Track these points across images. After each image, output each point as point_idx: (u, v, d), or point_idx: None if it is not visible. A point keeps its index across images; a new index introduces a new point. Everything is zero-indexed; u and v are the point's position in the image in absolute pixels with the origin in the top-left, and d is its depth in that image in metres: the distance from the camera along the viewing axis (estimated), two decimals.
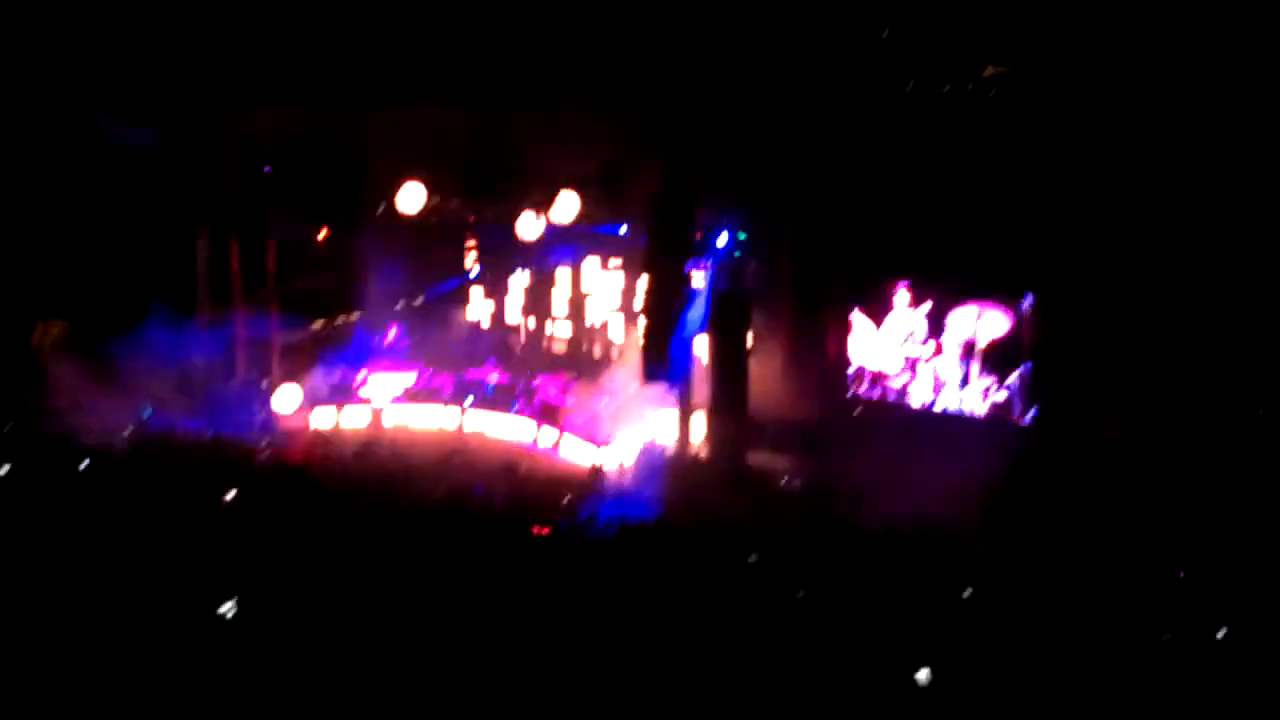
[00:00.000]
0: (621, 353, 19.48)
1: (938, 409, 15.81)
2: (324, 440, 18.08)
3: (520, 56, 16.17)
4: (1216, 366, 13.41)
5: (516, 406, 19.28)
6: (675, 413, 16.81)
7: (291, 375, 19.76)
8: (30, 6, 15.72)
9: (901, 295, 16.10)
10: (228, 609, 7.40)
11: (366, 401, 19.73)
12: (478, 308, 21.92)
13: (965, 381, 15.54)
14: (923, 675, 7.58)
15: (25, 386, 15.95)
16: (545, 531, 11.15)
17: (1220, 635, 8.65)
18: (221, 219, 18.75)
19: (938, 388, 15.81)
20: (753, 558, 10.06)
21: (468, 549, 9.29)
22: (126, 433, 15.48)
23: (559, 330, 20.81)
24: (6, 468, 10.92)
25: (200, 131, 17.94)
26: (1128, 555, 11.33)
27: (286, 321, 19.85)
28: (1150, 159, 13.53)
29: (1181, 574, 10.52)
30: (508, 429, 18.94)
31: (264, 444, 16.40)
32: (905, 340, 16.04)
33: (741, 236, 16.69)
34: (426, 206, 18.63)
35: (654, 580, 8.92)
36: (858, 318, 16.51)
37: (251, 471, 13.52)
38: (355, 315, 21.30)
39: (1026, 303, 15.00)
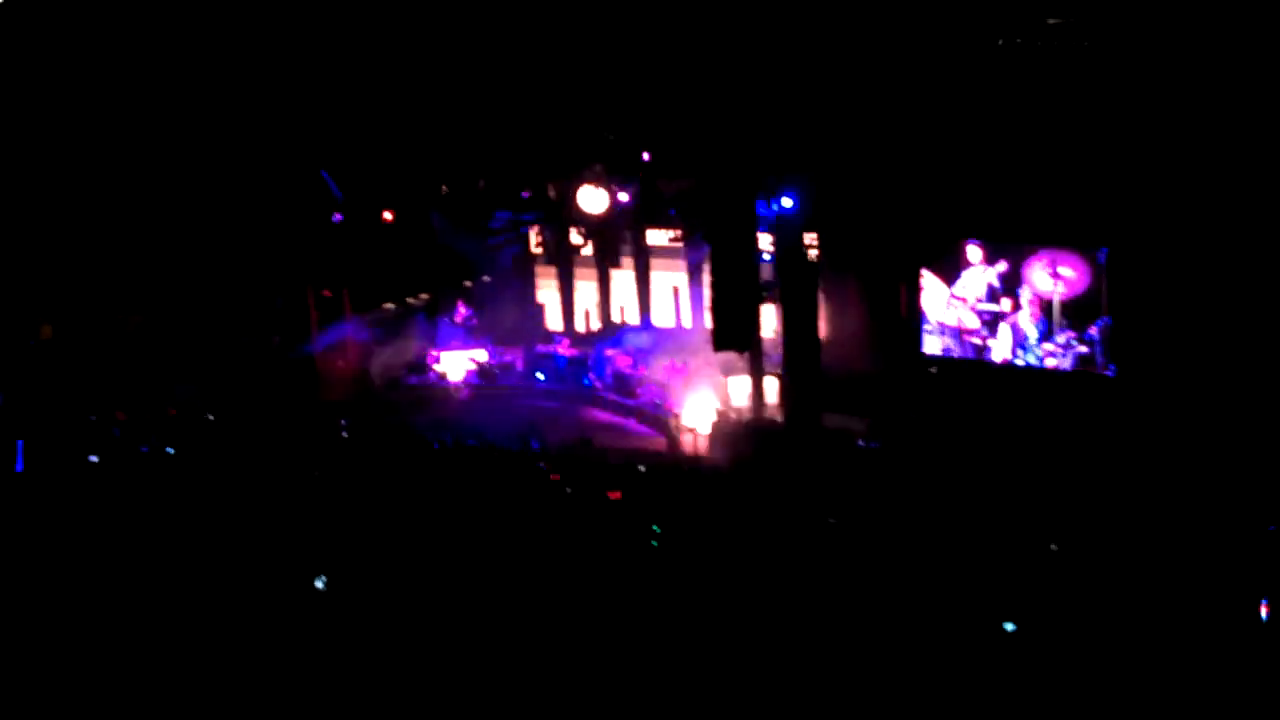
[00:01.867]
0: (693, 321, 19.45)
1: (1019, 364, 15.54)
2: None
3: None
4: None
5: (588, 380, 19.37)
6: (748, 378, 16.73)
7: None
8: None
9: (973, 252, 15.82)
10: None
11: (440, 378, 19.96)
12: (545, 282, 22.02)
13: (1045, 337, 15.25)
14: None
15: None
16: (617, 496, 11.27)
17: None
18: None
19: (1017, 343, 15.54)
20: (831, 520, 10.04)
21: None
22: None
23: (627, 301, 20.82)
24: None
25: None
26: (1216, 509, 11.09)
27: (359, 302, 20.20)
28: (1222, 106, 13.13)
29: (1273, 527, 10.25)
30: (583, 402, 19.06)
31: None
32: (981, 297, 15.78)
33: (807, 199, 16.51)
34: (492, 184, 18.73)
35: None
36: (928, 277, 16.27)
37: None
38: (424, 295, 21.54)
39: (1101, 256, 14.67)
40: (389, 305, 21.16)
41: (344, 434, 15.99)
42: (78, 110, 16.71)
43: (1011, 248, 15.50)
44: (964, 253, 15.94)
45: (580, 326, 21.15)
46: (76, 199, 17.42)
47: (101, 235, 17.66)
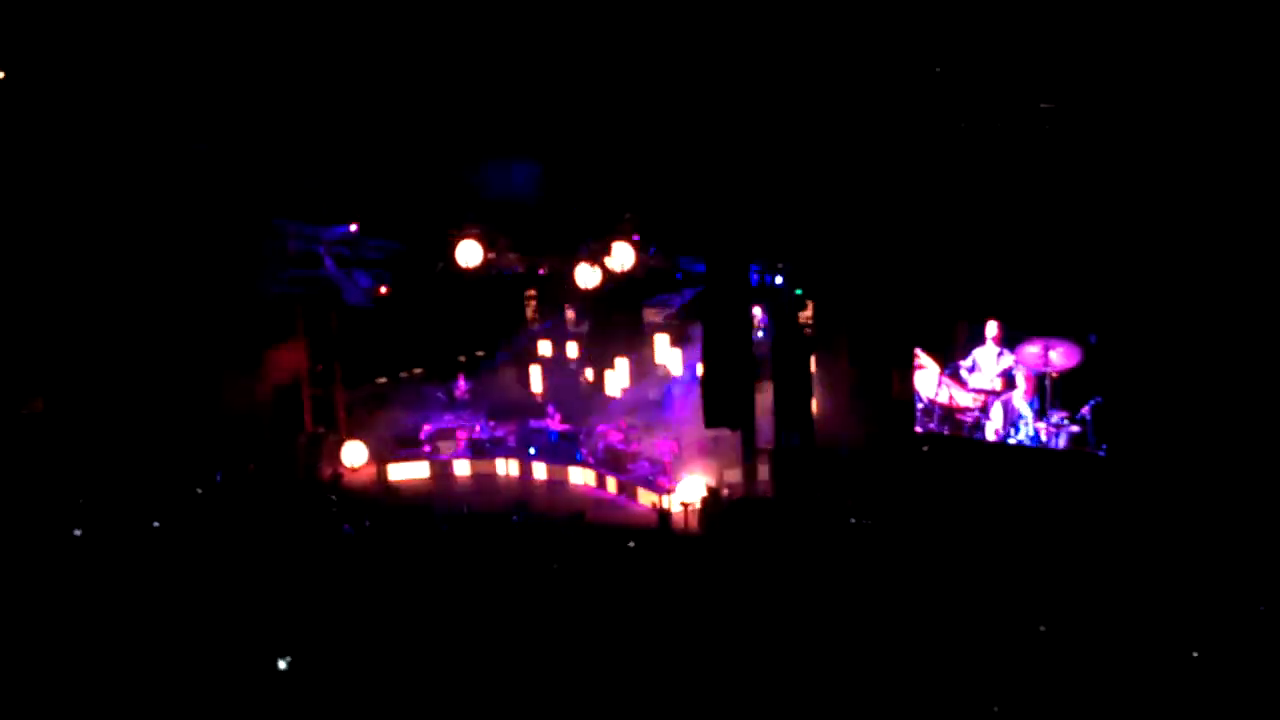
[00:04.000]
0: (684, 397, 19.41)
1: (1011, 442, 15.51)
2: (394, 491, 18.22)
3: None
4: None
5: (580, 454, 19.29)
6: (740, 454, 16.65)
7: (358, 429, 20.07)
8: None
9: (966, 333, 15.89)
10: None
11: (433, 453, 19.89)
12: (539, 358, 22.05)
13: (1039, 416, 15.24)
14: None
15: None
16: None
17: None
18: None
19: (1010, 422, 15.52)
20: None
21: None
22: None
23: (620, 377, 20.81)
24: None
25: None
26: (1208, 586, 10.99)
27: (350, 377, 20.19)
28: (1211, 194, 13.28)
29: (1262, 608, 10.15)
30: (573, 477, 18.98)
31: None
32: (983, 378, 15.78)
33: (799, 278, 16.62)
34: (484, 260, 18.78)
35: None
36: (922, 357, 16.32)
37: None
38: (418, 370, 21.58)
39: (1092, 339, 14.74)
40: (381, 380, 21.20)
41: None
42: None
43: (1003, 329, 15.59)
44: (956, 332, 16.03)
45: (573, 402, 21.14)
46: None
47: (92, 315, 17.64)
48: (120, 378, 17.79)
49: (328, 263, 18.77)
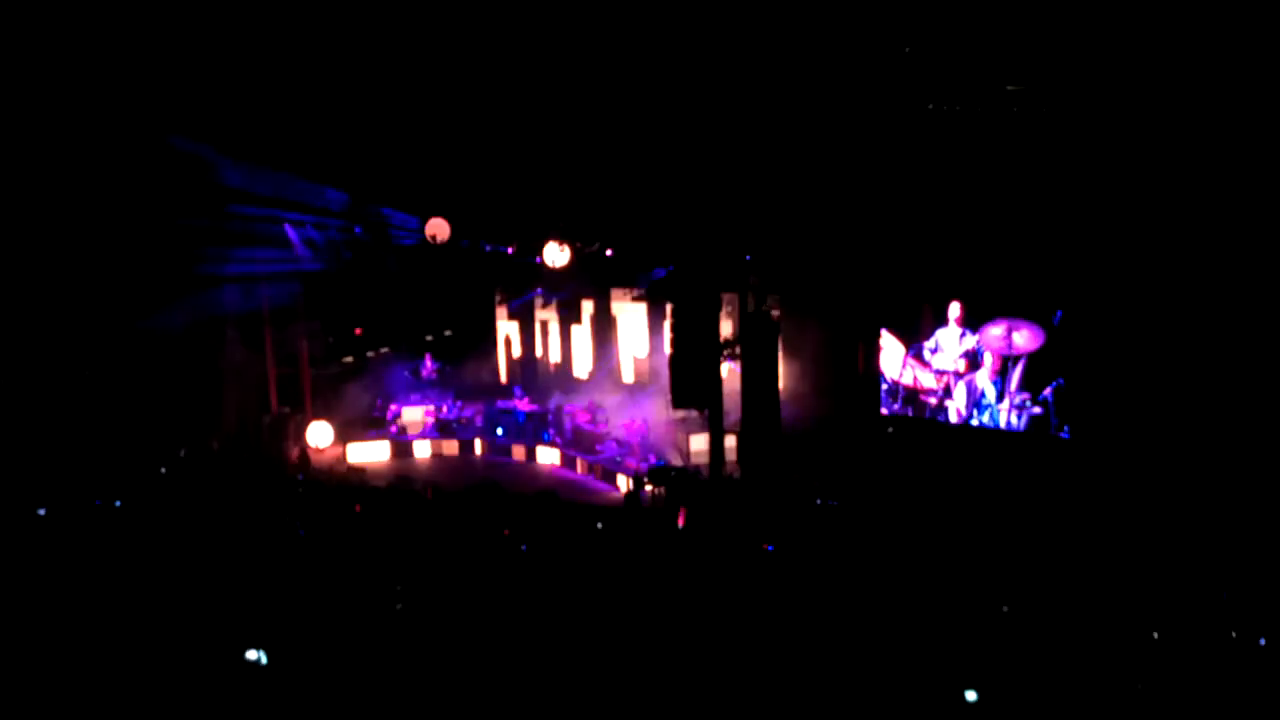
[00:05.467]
0: (652, 378, 19.48)
1: (974, 424, 15.68)
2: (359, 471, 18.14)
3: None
4: (1242, 376, 13.24)
5: (548, 435, 19.32)
6: (706, 436, 16.73)
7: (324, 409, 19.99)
8: None
9: (931, 314, 16.04)
10: None
11: (399, 433, 19.84)
12: (506, 339, 22.05)
13: (1001, 397, 15.41)
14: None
15: None
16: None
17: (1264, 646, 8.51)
18: None
19: (973, 402, 15.70)
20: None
21: None
22: None
23: (588, 358, 20.84)
24: None
25: None
26: (1168, 568, 11.17)
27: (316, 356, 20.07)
28: (1177, 173, 13.40)
29: (1225, 595, 10.31)
30: (541, 457, 19.01)
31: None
32: (945, 359, 15.94)
33: (767, 261, 16.69)
34: (455, 239, 18.71)
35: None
36: (886, 338, 16.47)
37: None
38: (385, 349, 21.50)
39: (1057, 318, 14.89)
40: (348, 359, 21.10)
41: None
42: None
43: (968, 310, 15.73)
44: (921, 314, 16.17)
45: (542, 382, 21.15)
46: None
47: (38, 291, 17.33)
48: (79, 356, 17.56)
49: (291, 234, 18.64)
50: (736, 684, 7.45)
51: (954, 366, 15.86)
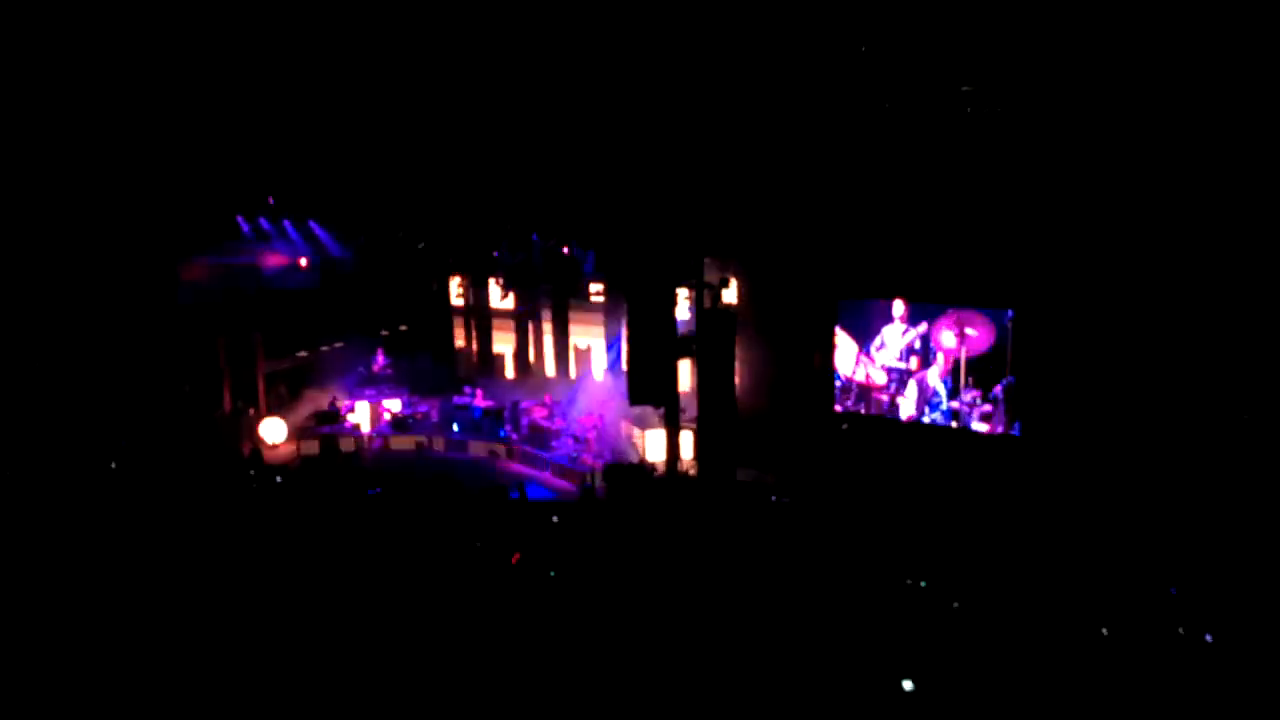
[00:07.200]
0: (608, 374, 19.51)
1: (925, 421, 15.89)
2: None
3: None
4: (1193, 374, 13.50)
5: (504, 431, 19.28)
6: (663, 432, 16.77)
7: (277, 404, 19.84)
8: None
9: (884, 312, 16.22)
10: None
11: (354, 428, 19.72)
12: (463, 334, 21.97)
13: (953, 395, 15.63)
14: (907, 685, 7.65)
15: None
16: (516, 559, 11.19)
17: (1211, 642, 8.70)
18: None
19: (925, 400, 15.91)
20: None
21: None
22: None
23: (545, 354, 20.83)
24: None
25: None
26: (1117, 564, 11.36)
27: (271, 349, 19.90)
28: (1124, 174, 13.61)
29: (1173, 590, 10.52)
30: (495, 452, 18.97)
31: None
32: (889, 355, 16.14)
33: (723, 258, 16.77)
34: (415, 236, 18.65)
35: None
36: (841, 336, 16.64)
37: None
38: (340, 344, 21.32)
39: (1007, 318, 15.12)
40: (302, 353, 20.92)
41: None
42: None
43: (920, 308, 15.92)
44: (875, 312, 16.35)
45: (498, 378, 21.12)
46: None
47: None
48: (31, 352, 17.31)
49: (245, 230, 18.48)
50: (685, 675, 7.52)
51: (902, 364, 16.06)
